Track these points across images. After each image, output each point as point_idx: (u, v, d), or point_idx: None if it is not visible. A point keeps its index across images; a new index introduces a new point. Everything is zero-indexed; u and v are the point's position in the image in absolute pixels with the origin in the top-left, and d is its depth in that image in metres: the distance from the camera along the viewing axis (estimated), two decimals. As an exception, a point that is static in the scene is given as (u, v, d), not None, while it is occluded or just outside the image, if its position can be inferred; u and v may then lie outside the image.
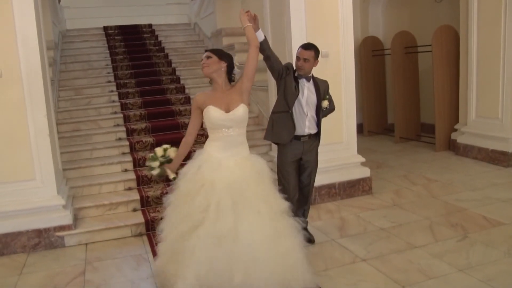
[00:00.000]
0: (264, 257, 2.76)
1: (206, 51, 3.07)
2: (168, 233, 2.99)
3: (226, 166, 2.91)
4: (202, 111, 2.99)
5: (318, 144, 3.78)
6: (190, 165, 2.97)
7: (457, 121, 6.79)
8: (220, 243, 2.75)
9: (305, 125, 3.63)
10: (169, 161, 3.13)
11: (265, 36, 3.39)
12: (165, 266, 3.02)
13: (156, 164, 3.12)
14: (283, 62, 3.65)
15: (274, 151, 4.23)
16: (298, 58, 3.58)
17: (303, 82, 3.60)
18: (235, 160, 2.95)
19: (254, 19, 3.15)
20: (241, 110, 2.94)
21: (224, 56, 3.02)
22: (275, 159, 3.80)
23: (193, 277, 2.71)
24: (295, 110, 3.60)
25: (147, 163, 3.18)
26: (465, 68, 6.42)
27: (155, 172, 3.13)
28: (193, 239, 2.77)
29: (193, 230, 2.80)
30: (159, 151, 3.14)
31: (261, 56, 3.49)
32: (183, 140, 3.12)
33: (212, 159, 2.93)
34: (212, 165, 2.91)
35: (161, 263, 3.09)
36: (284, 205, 2.97)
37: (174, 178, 3.05)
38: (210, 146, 3.00)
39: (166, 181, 4.52)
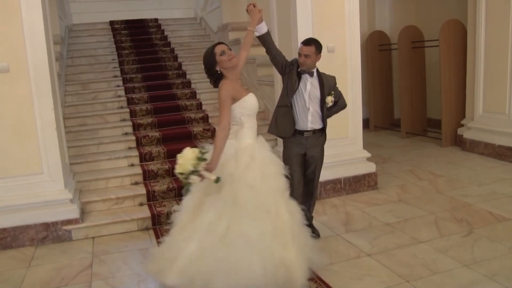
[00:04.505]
0: None
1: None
2: None
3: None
4: (233, 101, 2.98)
5: (324, 140, 3.76)
6: (241, 158, 2.92)
7: (463, 116, 6.75)
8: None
9: (308, 120, 3.62)
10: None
11: (268, 29, 3.42)
12: None
13: (189, 168, 2.69)
14: (290, 58, 3.65)
15: (280, 146, 4.24)
16: (299, 54, 3.58)
17: (305, 77, 3.60)
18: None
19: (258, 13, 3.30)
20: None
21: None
22: (281, 154, 3.81)
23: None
24: (298, 104, 3.61)
25: (179, 171, 2.73)
26: (472, 63, 6.38)
27: (192, 179, 2.72)
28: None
29: None
30: (189, 154, 2.73)
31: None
32: (224, 134, 2.87)
33: (256, 146, 3.03)
34: (265, 150, 3.06)
35: None
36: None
37: (218, 180, 2.76)
38: (247, 134, 3.03)
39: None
